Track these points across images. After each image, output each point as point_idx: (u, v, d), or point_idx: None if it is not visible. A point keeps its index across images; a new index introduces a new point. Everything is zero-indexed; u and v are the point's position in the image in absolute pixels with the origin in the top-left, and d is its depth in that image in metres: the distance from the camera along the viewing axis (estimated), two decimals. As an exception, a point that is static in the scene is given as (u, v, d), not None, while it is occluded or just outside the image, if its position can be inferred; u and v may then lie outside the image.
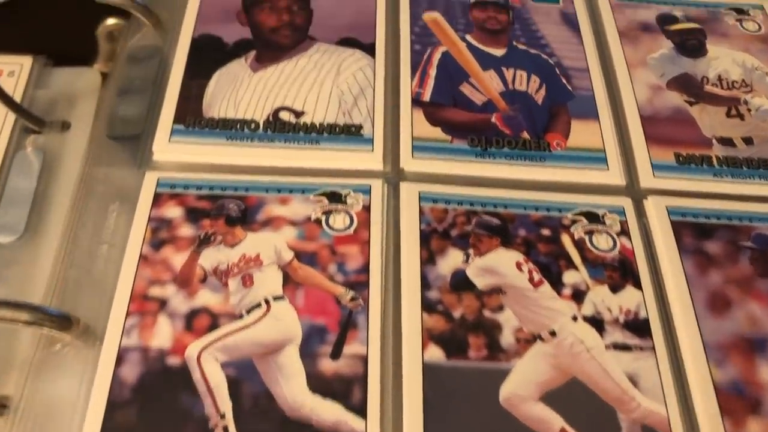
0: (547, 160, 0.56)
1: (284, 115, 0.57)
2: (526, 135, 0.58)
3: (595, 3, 0.69)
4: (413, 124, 0.57)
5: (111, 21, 0.64)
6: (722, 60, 0.65)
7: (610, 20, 0.67)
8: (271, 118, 0.57)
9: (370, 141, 0.56)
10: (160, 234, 0.50)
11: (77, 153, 0.60)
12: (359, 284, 0.48)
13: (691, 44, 0.66)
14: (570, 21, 0.66)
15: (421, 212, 0.52)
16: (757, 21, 0.68)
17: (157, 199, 0.51)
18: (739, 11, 0.69)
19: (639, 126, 0.59)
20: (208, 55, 0.60)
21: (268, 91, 0.58)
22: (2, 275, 0.52)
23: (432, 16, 0.65)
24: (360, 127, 0.57)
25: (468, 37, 0.64)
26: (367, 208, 0.52)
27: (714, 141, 0.59)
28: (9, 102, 0.57)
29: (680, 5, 0.69)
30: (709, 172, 0.57)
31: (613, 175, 0.56)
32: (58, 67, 0.65)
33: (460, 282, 0.49)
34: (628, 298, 0.50)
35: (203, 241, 0.49)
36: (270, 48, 0.61)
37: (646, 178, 0.56)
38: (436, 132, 0.57)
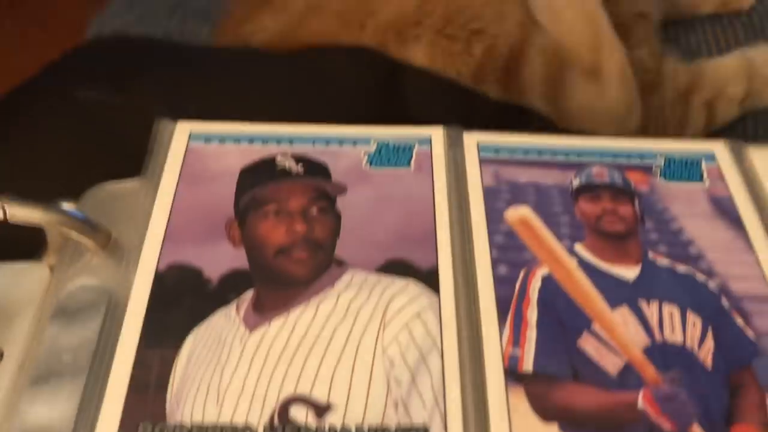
0: (742, 480, 0.33)
1: (298, 413, 0.35)
2: (697, 430, 0.35)
3: (755, 178, 0.46)
4: (511, 419, 0.35)
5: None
6: None
7: (782, 205, 0.45)
8: (276, 420, 0.34)
9: (444, 460, 0.33)
10: None
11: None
12: None
13: None
14: (726, 211, 0.44)
15: None
16: None
17: None
18: None
19: None
20: (178, 302, 0.38)
21: (272, 368, 0.36)
22: None
23: (520, 215, 0.43)
24: (425, 431, 0.34)
25: (579, 249, 0.42)
26: None
27: None
28: None
29: None
30: None
31: None
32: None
33: None
34: None
35: None
36: (276, 284, 0.40)
37: None
38: (551, 434, 0.34)
